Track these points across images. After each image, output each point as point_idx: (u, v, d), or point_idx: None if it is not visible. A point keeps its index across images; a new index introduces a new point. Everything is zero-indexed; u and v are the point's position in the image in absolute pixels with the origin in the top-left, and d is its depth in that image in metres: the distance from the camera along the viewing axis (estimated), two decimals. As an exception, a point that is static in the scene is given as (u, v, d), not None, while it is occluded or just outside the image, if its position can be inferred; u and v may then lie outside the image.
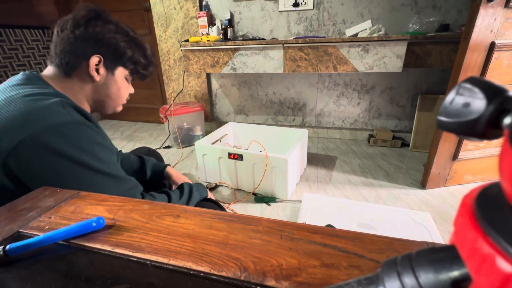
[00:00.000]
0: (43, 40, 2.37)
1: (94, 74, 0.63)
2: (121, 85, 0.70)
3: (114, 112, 0.75)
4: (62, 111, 0.53)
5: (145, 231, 0.35)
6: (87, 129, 0.56)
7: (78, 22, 0.61)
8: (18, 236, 0.35)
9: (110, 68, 0.66)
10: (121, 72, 0.68)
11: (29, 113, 0.51)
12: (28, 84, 0.58)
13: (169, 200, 0.71)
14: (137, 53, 0.69)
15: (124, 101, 0.74)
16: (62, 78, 0.63)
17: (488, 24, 1.03)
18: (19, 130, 0.49)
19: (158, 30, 2.24)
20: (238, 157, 1.30)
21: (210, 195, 0.94)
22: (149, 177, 0.99)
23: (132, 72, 0.71)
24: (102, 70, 0.64)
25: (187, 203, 0.76)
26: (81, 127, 0.54)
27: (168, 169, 1.02)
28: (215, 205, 0.86)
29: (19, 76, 0.60)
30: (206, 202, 0.84)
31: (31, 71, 0.63)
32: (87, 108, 0.69)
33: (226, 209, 1.23)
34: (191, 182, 0.88)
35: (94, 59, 0.62)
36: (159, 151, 1.80)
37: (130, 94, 0.76)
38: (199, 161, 1.49)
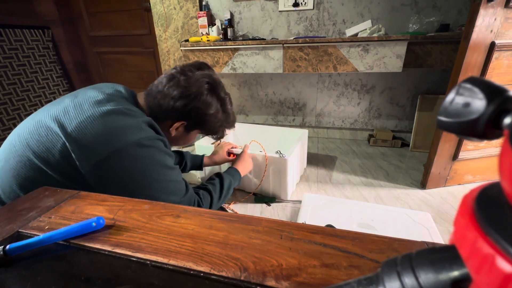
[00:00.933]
0: (43, 40, 2.36)
1: (173, 132, 0.66)
2: (189, 139, 0.73)
3: None
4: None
5: (145, 231, 0.35)
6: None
7: (189, 94, 0.60)
8: (18, 236, 0.35)
9: (189, 130, 0.69)
10: (196, 132, 0.71)
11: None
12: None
13: (212, 200, 0.75)
14: (220, 129, 0.72)
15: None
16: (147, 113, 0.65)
17: (488, 24, 1.03)
18: None
19: (158, 30, 2.24)
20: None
21: None
22: (188, 170, 1.07)
23: (204, 134, 0.74)
24: (181, 129, 0.67)
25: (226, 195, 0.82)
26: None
27: (205, 159, 1.10)
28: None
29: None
30: None
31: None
32: None
33: (226, 209, 1.23)
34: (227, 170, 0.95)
35: (179, 123, 0.65)
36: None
37: None
38: (199, 161, 1.49)
